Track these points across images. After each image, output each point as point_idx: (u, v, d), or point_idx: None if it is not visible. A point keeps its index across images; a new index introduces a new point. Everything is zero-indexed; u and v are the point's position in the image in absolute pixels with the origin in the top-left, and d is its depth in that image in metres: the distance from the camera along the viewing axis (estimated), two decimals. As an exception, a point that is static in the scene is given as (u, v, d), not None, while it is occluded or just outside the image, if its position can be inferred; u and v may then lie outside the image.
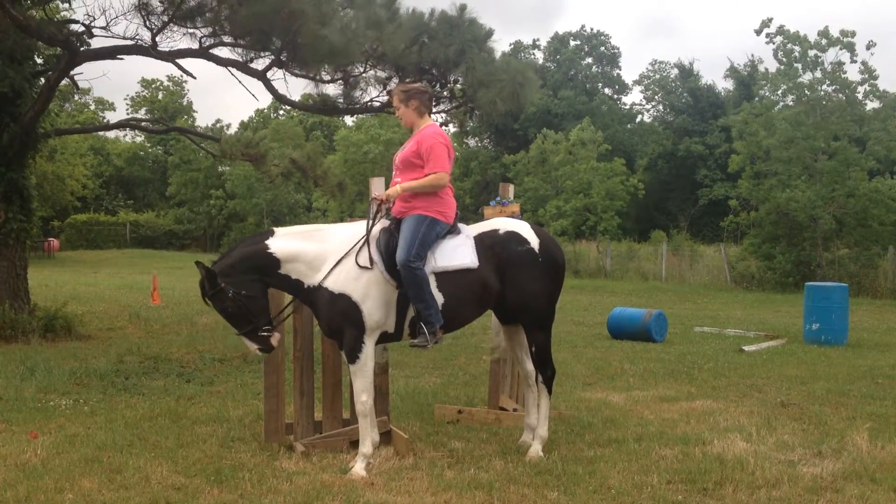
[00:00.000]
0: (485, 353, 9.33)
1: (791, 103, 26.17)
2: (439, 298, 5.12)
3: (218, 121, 53.72)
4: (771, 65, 28.37)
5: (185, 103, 50.85)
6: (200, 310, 13.07)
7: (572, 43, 48.62)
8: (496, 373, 6.67)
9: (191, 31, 10.00)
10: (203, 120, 69.19)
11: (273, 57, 10.30)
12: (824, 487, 4.71)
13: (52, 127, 13.80)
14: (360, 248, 5.13)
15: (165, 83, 50.44)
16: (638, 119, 49.77)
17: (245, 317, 5.03)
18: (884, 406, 7.07)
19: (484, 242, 5.32)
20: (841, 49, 24.76)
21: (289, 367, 5.98)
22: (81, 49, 10.29)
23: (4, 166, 10.85)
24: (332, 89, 11.04)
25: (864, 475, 4.90)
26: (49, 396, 7.20)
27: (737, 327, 13.84)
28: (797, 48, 25.34)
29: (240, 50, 10.41)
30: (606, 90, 49.34)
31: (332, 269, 5.07)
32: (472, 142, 47.24)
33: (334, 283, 5.05)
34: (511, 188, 6.86)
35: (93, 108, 49.33)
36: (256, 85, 10.99)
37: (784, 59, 25.78)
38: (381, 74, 10.64)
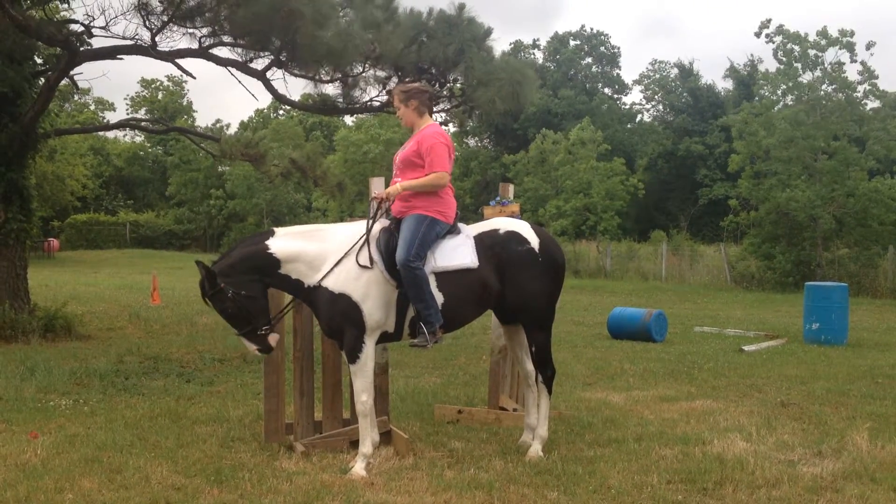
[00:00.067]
0: (485, 354, 9.32)
1: (791, 103, 26.18)
2: (439, 298, 5.12)
3: (218, 121, 53.84)
4: (771, 65, 28.45)
5: (184, 103, 50.84)
6: (200, 310, 13.08)
7: (572, 43, 48.61)
8: (496, 373, 6.66)
9: (190, 31, 10.00)
10: (203, 120, 69.30)
11: (272, 57, 10.31)
12: (824, 487, 4.71)
13: (52, 127, 13.80)
14: (361, 247, 5.13)
15: (165, 83, 50.47)
16: (638, 119, 49.79)
17: (244, 317, 5.02)
18: (884, 406, 7.07)
19: (484, 242, 5.32)
20: (840, 49, 24.78)
21: (289, 367, 5.98)
22: (81, 49, 10.29)
23: (4, 166, 10.85)
24: (332, 89, 11.06)
25: (864, 475, 4.90)
26: (49, 396, 7.20)
27: (737, 327, 13.84)
28: (797, 47, 25.35)
29: (239, 50, 10.41)
30: (606, 90, 49.35)
31: (332, 269, 5.07)
32: (472, 142, 47.25)
33: (334, 283, 5.05)
34: (511, 188, 6.86)
35: (93, 108, 49.34)
36: (256, 85, 11.01)
37: (784, 59, 25.79)
38: (381, 74, 10.64)
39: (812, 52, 25.15)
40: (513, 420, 6.32)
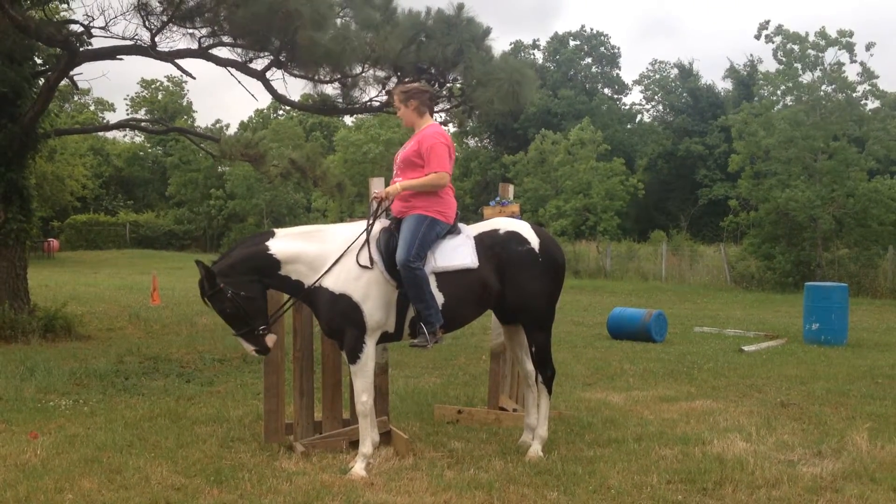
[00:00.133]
0: (485, 354, 9.33)
1: (791, 103, 26.18)
2: (439, 298, 5.12)
3: (217, 121, 53.90)
4: (771, 65, 28.45)
5: (184, 103, 50.82)
6: (200, 310, 13.08)
7: (572, 43, 48.61)
8: (496, 373, 6.66)
9: (190, 31, 10.02)
10: (203, 120, 69.31)
11: (272, 57, 10.32)
12: (824, 487, 4.71)
13: (52, 127, 13.80)
14: (361, 247, 5.13)
15: (165, 83, 50.46)
16: (638, 119, 49.79)
17: (242, 318, 5.02)
18: (884, 406, 7.07)
19: (484, 242, 5.32)
20: (840, 49, 24.78)
21: (289, 367, 5.98)
22: (81, 49, 10.29)
23: (4, 166, 10.86)
24: (331, 89, 11.06)
25: (864, 475, 4.91)
26: (49, 396, 7.21)
27: (736, 327, 13.84)
28: (796, 47, 25.35)
29: (239, 50, 10.43)
30: (606, 90, 49.34)
31: (331, 269, 5.07)
32: (472, 142, 47.24)
33: (335, 284, 5.05)
34: (511, 188, 6.86)
35: (92, 108, 49.31)
36: (256, 85, 11.02)
37: (784, 59, 25.80)
38: (380, 74, 10.64)
39: (811, 52, 25.16)
40: (513, 420, 6.32)
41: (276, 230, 5.27)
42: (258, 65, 10.56)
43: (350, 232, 5.24)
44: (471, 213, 30.56)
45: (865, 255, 23.77)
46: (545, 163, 35.19)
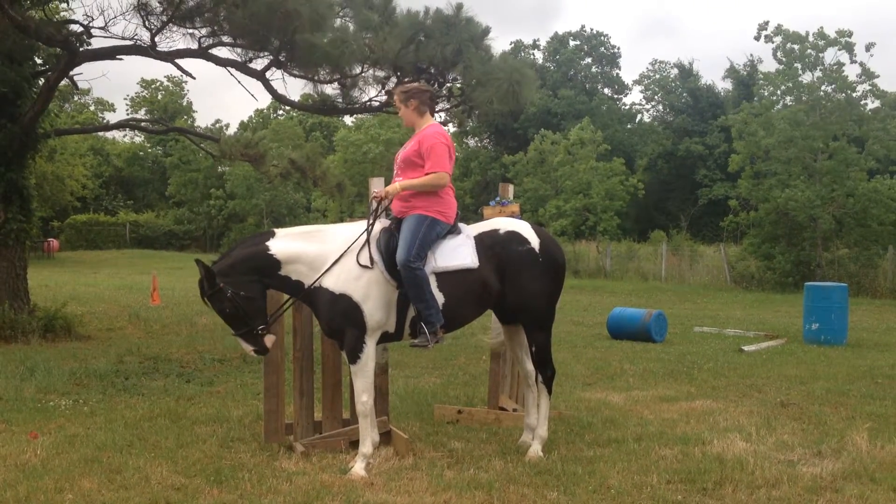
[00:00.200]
0: (485, 354, 9.32)
1: (791, 103, 26.18)
2: (440, 298, 5.12)
3: (217, 121, 53.89)
4: (771, 65, 28.45)
5: (184, 103, 50.83)
6: (200, 310, 13.07)
7: (572, 43, 48.61)
8: (496, 373, 6.66)
9: (189, 31, 10.02)
10: (203, 120, 69.27)
11: (271, 57, 10.32)
12: (824, 487, 4.71)
13: (52, 127, 13.80)
14: (361, 247, 5.12)
15: (165, 83, 50.46)
16: (638, 119, 49.78)
17: (242, 318, 5.02)
18: (883, 406, 7.08)
19: (484, 242, 5.32)
20: (840, 49, 24.78)
21: (289, 367, 5.98)
22: (81, 49, 10.29)
23: (4, 166, 10.86)
24: (331, 89, 11.06)
25: (864, 475, 4.91)
26: (49, 396, 7.20)
27: (736, 327, 13.84)
28: (797, 46, 25.34)
29: (238, 50, 10.43)
30: (606, 90, 49.34)
31: (331, 268, 5.06)
32: (472, 142, 47.23)
33: (335, 284, 5.05)
34: (511, 188, 6.85)
35: (92, 108, 49.31)
36: (256, 85, 11.02)
37: (784, 59, 25.80)
38: (380, 74, 10.65)
39: (811, 52, 25.15)
40: (512, 420, 6.32)
41: (276, 230, 5.27)
42: (258, 65, 10.58)
43: (350, 232, 5.23)
44: (471, 212, 30.54)
45: (865, 255, 23.77)
46: (545, 163, 35.18)
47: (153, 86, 50.55)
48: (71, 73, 11.18)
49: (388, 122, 37.01)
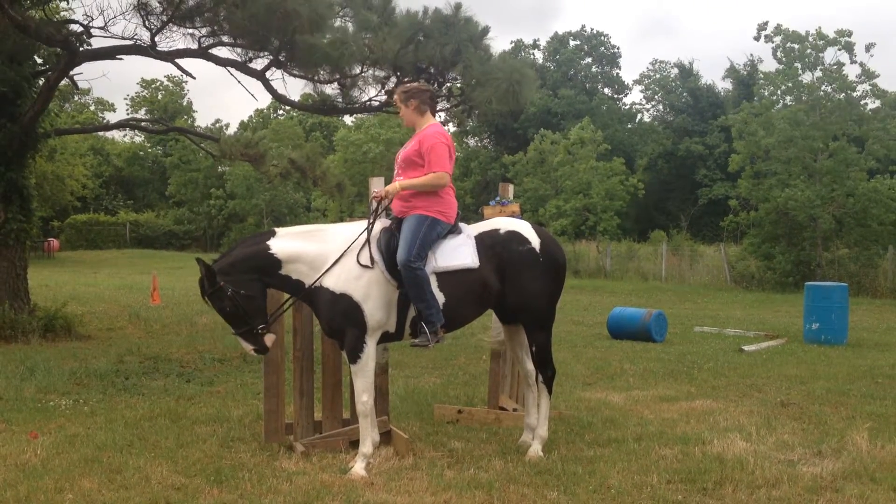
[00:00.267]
0: (485, 354, 9.33)
1: (791, 103, 26.18)
2: (440, 298, 5.12)
3: (217, 121, 53.84)
4: (771, 65, 28.45)
5: (184, 103, 50.83)
6: (200, 310, 13.07)
7: (572, 43, 48.62)
8: (496, 373, 6.66)
9: (189, 31, 10.02)
10: (203, 120, 69.23)
11: (271, 57, 10.32)
12: (824, 487, 4.71)
13: (52, 127, 13.80)
14: (361, 247, 5.12)
15: (165, 83, 50.46)
16: (638, 119, 49.78)
17: (242, 317, 5.02)
18: (884, 406, 7.07)
19: (485, 242, 5.32)
20: (839, 49, 24.78)
21: (289, 367, 5.98)
22: (81, 49, 10.29)
23: (4, 166, 10.85)
24: (331, 89, 11.06)
25: (864, 475, 4.90)
26: (49, 396, 7.20)
27: (737, 327, 13.84)
28: (797, 46, 25.34)
29: (238, 50, 10.43)
30: (606, 90, 49.34)
31: (332, 268, 5.06)
32: (472, 142, 47.24)
33: (335, 283, 5.05)
34: (511, 188, 6.85)
35: (92, 108, 49.31)
36: (256, 85, 11.02)
37: (784, 59, 25.79)
38: (379, 74, 10.65)
39: (810, 51, 25.14)
40: (513, 420, 6.32)
41: (276, 229, 5.27)
42: (258, 65, 10.58)
43: (351, 231, 5.23)
44: (471, 212, 30.53)
45: (865, 255, 23.77)
46: (545, 163, 35.18)
47: (153, 86, 50.55)
48: (71, 72, 11.18)
49: (388, 121, 37.01)
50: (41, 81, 11.62)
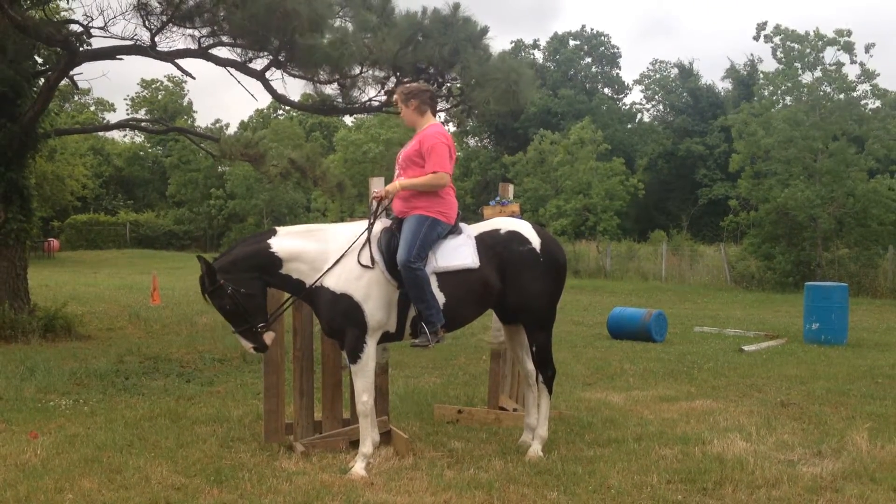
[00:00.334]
0: (485, 354, 9.33)
1: (790, 103, 26.17)
2: (440, 298, 5.12)
3: (217, 121, 53.87)
4: (770, 65, 28.43)
5: (184, 103, 50.83)
6: (200, 310, 13.09)
7: (572, 43, 48.62)
8: (496, 373, 6.66)
9: (189, 31, 10.02)
10: (203, 120, 69.25)
11: (271, 57, 10.32)
12: (824, 487, 4.71)
13: (52, 127, 13.81)
14: (362, 247, 5.12)
15: (165, 83, 50.46)
16: (638, 119, 49.79)
17: (242, 315, 5.02)
18: (884, 406, 7.07)
19: (485, 242, 5.32)
20: (839, 49, 24.78)
21: (289, 367, 5.98)
22: (81, 49, 10.29)
23: (4, 166, 10.85)
24: (331, 89, 11.07)
25: (864, 475, 4.90)
26: (49, 396, 7.20)
27: (737, 327, 13.84)
28: (797, 45, 25.33)
29: (238, 50, 10.43)
30: (606, 90, 49.35)
31: (332, 268, 5.07)
32: (472, 142, 47.25)
33: (336, 283, 5.05)
34: (511, 188, 6.85)
35: (92, 108, 49.31)
36: (255, 85, 11.02)
37: (783, 59, 25.79)
38: (379, 74, 10.65)
39: (810, 51, 25.14)
40: (513, 420, 6.32)
41: (277, 228, 5.27)
42: (257, 65, 10.59)
43: (351, 231, 5.23)
44: (471, 212, 30.51)
45: (865, 255, 23.76)
46: (545, 163, 35.18)
47: (153, 86, 50.56)
48: (71, 72, 11.18)
49: (388, 121, 37.01)
50: (41, 81, 11.62)
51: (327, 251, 5.13)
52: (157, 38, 9.91)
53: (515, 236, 5.37)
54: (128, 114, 48.45)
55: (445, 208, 5.24)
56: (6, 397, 7.11)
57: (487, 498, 4.51)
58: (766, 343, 11.57)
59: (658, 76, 48.89)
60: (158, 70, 77.38)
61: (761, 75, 29.04)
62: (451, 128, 20.76)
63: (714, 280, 26.32)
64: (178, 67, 10.90)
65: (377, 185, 5.65)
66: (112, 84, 72.14)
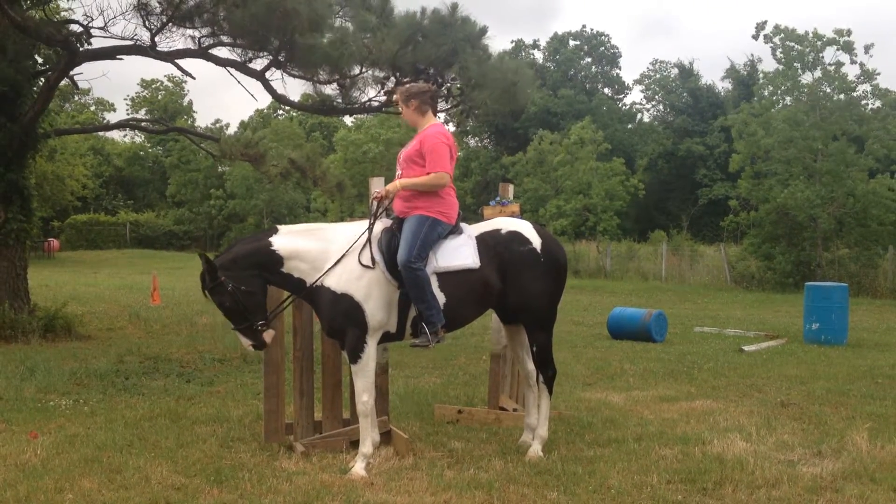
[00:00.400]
0: (485, 354, 9.33)
1: (790, 103, 26.17)
2: (441, 298, 5.12)
3: (217, 121, 53.83)
4: (770, 64, 28.43)
5: (184, 103, 50.82)
6: (200, 310, 13.10)
7: (572, 43, 48.63)
8: (496, 373, 6.66)
9: (189, 31, 10.02)
10: (203, 120, 69.21)
11: (271, 57, 10.32)
12: (824, 487, 4.71)
13: (52, 127, 13.80)
14: (363, 247, 5.12)
15: (165, 83, 50.46)
16: (638, 119, 49.79)
17: (242, 312, 5.02)
18: (884, 406, 7.07)
19: (486, 242, 5.31)
20: (838, 49, 24.78)
21: (289, 367, 5.98)
22: (81, 49, 10.29)
23: (4, 166, 10.85)
24: (331, 89, 11.07)
25: (864, 475, 4.90)
26: (49, 396, 7.20)
27: (737, 327, 13.84)
28: (797, 45, 25.33)
29: (238, 50, 10.43)
30: (606, 90, 49.36)
31: (333, 268, 5.07)
32: (472, 142, 47.24)
33: (336, 283, 5.05)
34: (511, 188, 6.85)
35: (92, 108, 49.31)
36: (255, 85, 11.02)
37: (783, 59, 25.79)
38: (379, 74, 10.65)
39: (809, 51, 25.14)
40: (513, 420, 6.32)
41: (279, 227, 5.28)
42: (257, 65, 10.58)
43: (352, 231, 5.23)
44: (471, 212, 30.49)
45: (865, 255, 23.76)
46: (545, 163, 35.19)
47: (153, 86, 50.55)
48: (71, 72, 11.18)
49: (388, 121, 37.01)
50: (41, 81, 11.62)
51: (328, 251, 5.13)
52: (157, 38, 9.91)
53: (516, 236, 5.37)
54: (128, 114, 48.49)
55: (446, 208, 5.23)
56: (6, 397, 7.11)
57: (487, 498, 4.51)
58: (766, 343, 11.58)
59: (658, 76, 48.90)
60: (158, 70, 77.43)
61: (761, 75, 29.05)
62: (451, 128, 20.77)
63: (714, 280, 26.32)
64: (178, 67, 10.91)
65: (377, 185, 5.65)
66: (112, 84, 72.18)
